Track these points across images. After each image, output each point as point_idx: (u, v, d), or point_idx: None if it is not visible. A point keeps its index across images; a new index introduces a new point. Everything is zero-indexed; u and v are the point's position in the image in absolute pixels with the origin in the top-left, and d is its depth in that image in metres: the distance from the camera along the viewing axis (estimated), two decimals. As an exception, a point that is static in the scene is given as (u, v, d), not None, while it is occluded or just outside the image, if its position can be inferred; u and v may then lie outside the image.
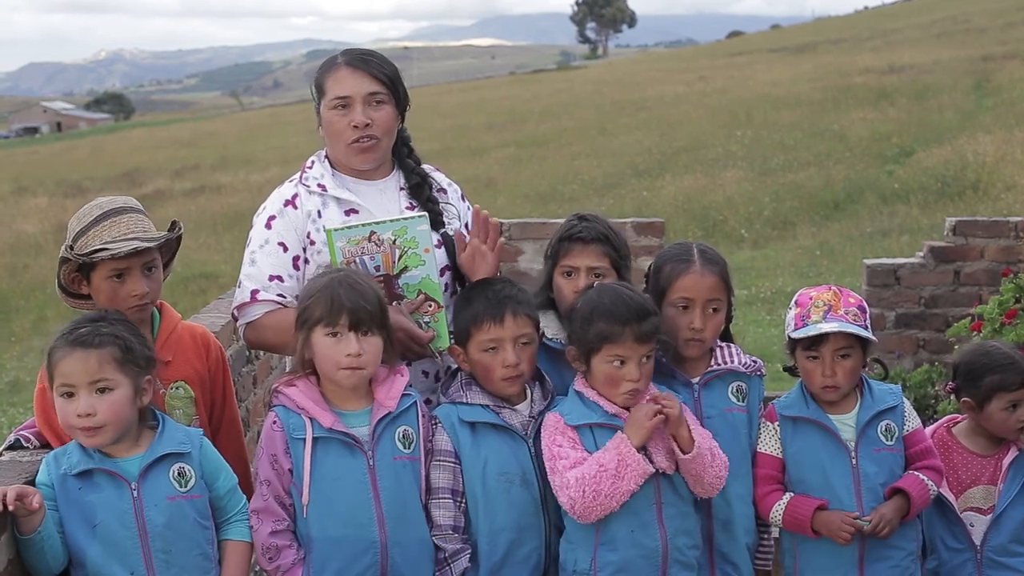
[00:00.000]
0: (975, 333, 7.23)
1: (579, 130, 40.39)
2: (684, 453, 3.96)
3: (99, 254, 3.85)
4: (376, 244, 4.21)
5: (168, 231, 4.09)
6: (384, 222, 4.27)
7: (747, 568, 4.34)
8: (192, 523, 3.74)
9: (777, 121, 34.49)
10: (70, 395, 3.61)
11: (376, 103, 4.43)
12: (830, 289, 4.30)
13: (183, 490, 3.73)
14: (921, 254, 9.10)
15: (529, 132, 42.34)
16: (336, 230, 4.19)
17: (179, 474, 3.74)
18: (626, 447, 3.90)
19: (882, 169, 24.94)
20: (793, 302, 4.37)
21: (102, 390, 3.61)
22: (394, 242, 4.23)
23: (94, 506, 3.62)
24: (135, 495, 3.65)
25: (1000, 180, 21.17)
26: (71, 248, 3.93)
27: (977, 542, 4.46)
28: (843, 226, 20.87)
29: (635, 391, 4.01)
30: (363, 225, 4.25)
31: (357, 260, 4.19)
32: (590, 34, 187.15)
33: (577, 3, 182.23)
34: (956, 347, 7.46)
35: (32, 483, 3.61)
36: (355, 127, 4.40)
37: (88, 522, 3.60)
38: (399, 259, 4.24)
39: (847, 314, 4.21)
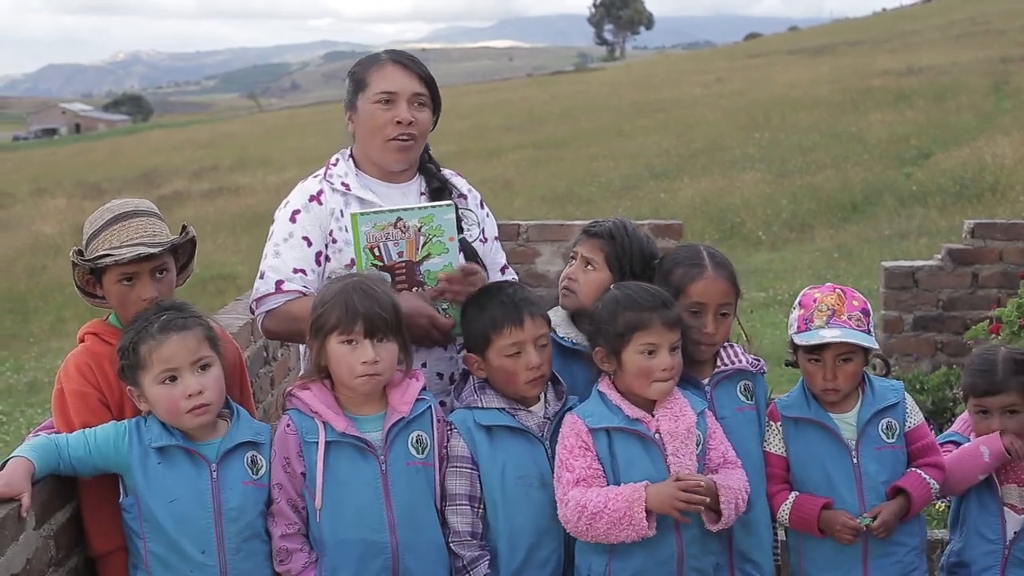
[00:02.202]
0: (993, 336, 7.22)
1: (597, 132, 40.34)
2: (712, 522, 3.98)
3: (104, 260, 3.87)
4: (401, 231, 4.23)
5: (178, 235, 4.10)
6: (412, 209, 4.30)
7: (768, 565, 4.34)
8: (259, 510, 3.87)
9: (795, 123, 34.41)
10: (173, 379, 3.75)
11: (419, 104, 4.48)
12: (834, 291, 4.28)
13: (255, 477, 3.87)
14: (939, 256, 9.09)
15: (547, 134, 42.30)
16: (362, 214, 4.21)
17: (252, 462, 3.89)
18: (639, 507, 3.86)
19: (900, 171, 24.87)
20: (797, 302, 4.36)
21: (203, 367, 3.79)
22: (419, 229, 4.25)
23: (172, 482, 3.74)
24: (214, 476, 3.79)
25: (1019, 182, 21.09)
26: (80, 253, 3.95)
27: (1007, 538, 4.45)
28: (861, 228, 20.82)
29: (670, 381, 4.01)
30: (390, 211, 4.27)
31: (380, 245, 4.22)
32: (607, 36, 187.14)
33: (595, 5, 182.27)
34: (974, 350, 7.45)
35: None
36: (398, 123, 4.41)
37: (164, 497, 3.72)
38: (423, 246, 4.26)
39: (850, 319, 4.19)
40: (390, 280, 4.23)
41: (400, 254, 4.24)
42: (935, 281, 9.01)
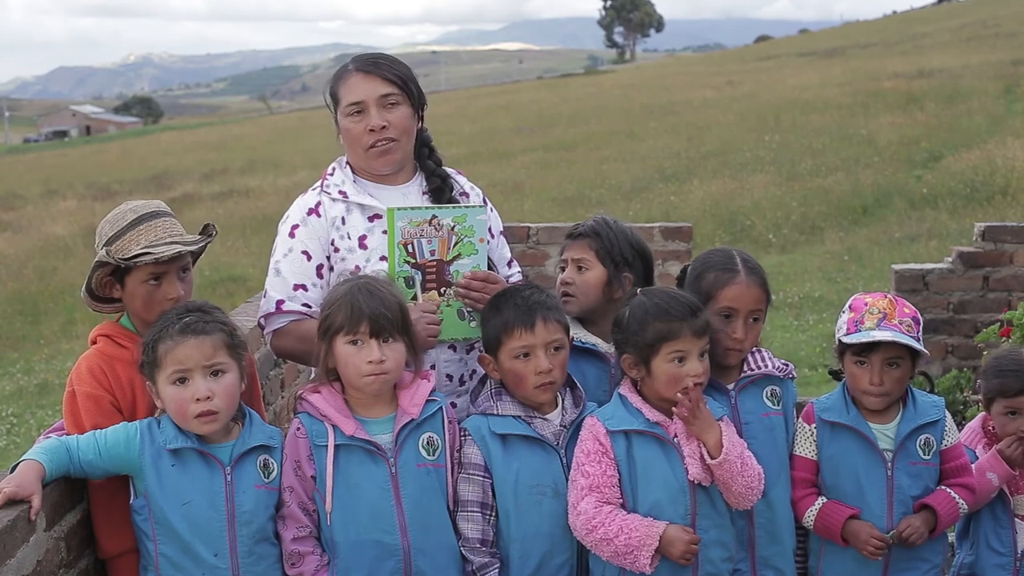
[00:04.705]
0: (1004, 339, 7.20)
1: (607, 134, 40.32)
2: (712, 458, 3.94)
3: (142, 258, 3.87)
4: (435, 228, 4.26)
5: (201, 233, 4.12)
6: (446, 208, 4.34)
7: (791, 572, 4.31)
8: (270, 513, 3.88)
9: (806, 125, 34.34)
10: (183, 380, 3.74)
11: (390, 105, 4.45)
12: (885, 297, 4.27)
13: (267, 480, 3.87)
14: (950, 259, 9.08)
15: (557, 136, 42.27)
16: (399, 209, 4.24)
17: (264, 465, 3.89)
18: (648, 551, 3.86)
19: (911, 174, 24.81)
20: (847, 306, 4.34)
21: (216, 373, 3.77)
22: (453, 228, 4.28)
23: (186, 485, 3.74)
24: (228, 479, 3.79)
25: (1030, 185, 21.04)
26: (108, 252, 3.93)
27: (1018, 550, 4.45)
28: (871, 231, 20.76)
29: (698, 386, 3.98)
30: (426, 208, 4.30)
31: (414, 242, 4.24)
32: (618, 38, 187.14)
33: (605, 7, 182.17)
34: (985, 353, 7.44)
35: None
36: (371, 131, 4.41)
37: (178, 499, 3.72)
38: (454, 245, 4.29)
39: (901, 324, 4.18)
40: (420, 277, 4.27)
41: (432, 252, 4.27)
42: (945, 284, 8.99)
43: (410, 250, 4.24)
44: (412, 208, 4.28)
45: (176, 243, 3.92)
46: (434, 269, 4.28)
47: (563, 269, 4.60)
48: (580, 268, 4.52)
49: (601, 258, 4.50)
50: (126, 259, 3.89)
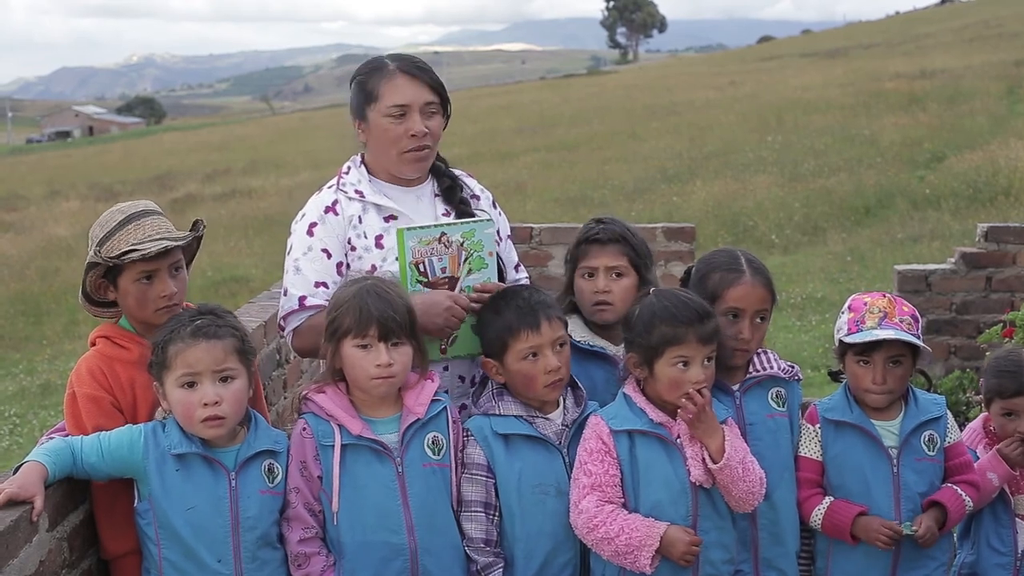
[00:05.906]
0: (1007, 339, 7.20)
1: (609, 135, 40.30)
2: (714, 463, 3.95)
3: (130, 255, 3.87)
4: (445, 245, 4.25)
5: (190, 230, 4.11)
6: (454, 224, 4.32)
7: (794, 574, 4.31)
8: (274, 518, 3.87)
9: (808, 126, 34.31)
10: (191, 384, 3.73)
11: (430, 112, 4.46)
12: (884, 296, 4.29)
13: (271, 485, 3.86)
14: (953, 260, 9.08)
15: (559, 137, 42.25)
16: (408, 229, 4.22)
17: (268, 470, 3.88)
18: (648, 551, 3.87)
19: (913, 174, 24.78)
20: (846, 307, 4.35)
21: (225, 379, 3.76)
22: (462, 244, 4.27)
23: (190, 490, 3.73)
24: (233, 484, 3.78)
25: (1032, 186, 21.02)
26: (98, 252, 3.93)
27: (1019, 550, 4.45)
28: (874, 232, 20.74)
29: (704, 390, 3.97)
30: (435, 226, 4.28)
31: (426, 260, 4.23)
32: (620, 39, 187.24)
33: (607, 8, 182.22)
34: (987, 353, 7.43)
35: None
36: (413, 136, 4.40)
37: (182, 504, 3.71)
38: (464, 261, 4.28)
39: (902, 322, 4.20)
40: None
41: (443, 269, 4.26)
42: (948, 284, 9.00)
43: (422, 269, 4.24)
44: (421, 227, 4.26)
45: (162, 239, 3.92)
46: (447, 286, 4.27)
47: (586, 276, 4.53)
48: (617, 275, 4.48)
49: (634, 264, 4.49)
50: (113, 257, 3.89)
